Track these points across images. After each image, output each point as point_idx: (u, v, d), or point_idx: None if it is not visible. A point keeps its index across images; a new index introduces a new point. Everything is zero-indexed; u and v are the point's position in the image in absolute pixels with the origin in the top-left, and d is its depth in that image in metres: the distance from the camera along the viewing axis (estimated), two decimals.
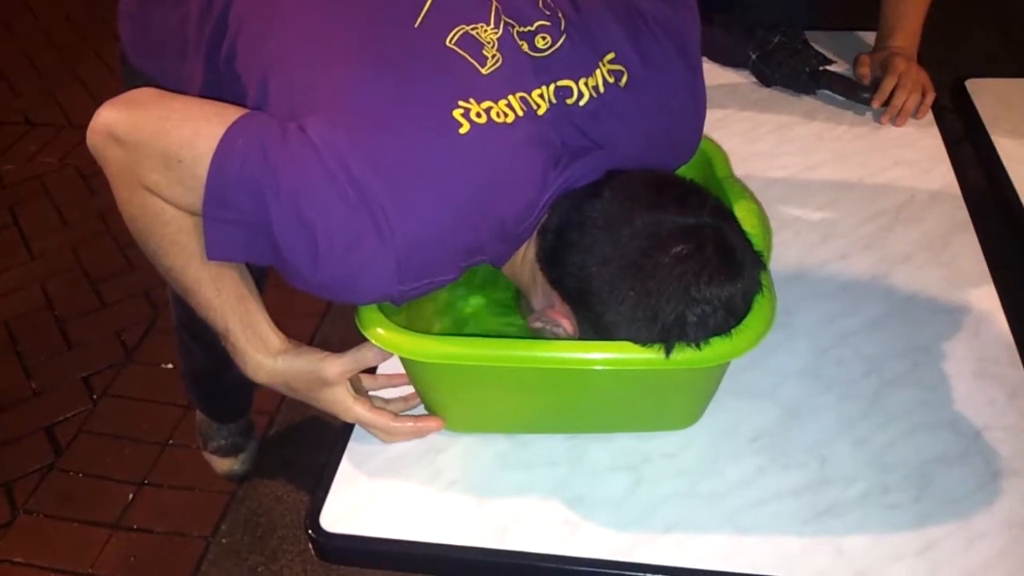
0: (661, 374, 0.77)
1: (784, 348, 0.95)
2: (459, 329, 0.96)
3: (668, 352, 0.73)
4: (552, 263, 0.79)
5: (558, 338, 0.79)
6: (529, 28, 0.80)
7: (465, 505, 0.82)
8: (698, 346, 0.73)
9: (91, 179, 2.63)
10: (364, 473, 0.86)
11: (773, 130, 1.31)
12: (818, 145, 1.27)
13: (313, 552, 0.82)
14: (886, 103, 1.30)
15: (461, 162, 0.72)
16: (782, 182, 1.21)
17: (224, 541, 1.70)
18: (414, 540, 0.80)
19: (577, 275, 0.76)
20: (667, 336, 0.73)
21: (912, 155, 1.24)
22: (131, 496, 1.78)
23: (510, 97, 0.76)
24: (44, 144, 2.82)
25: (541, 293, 0.82)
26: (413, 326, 0.82)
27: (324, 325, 2.10)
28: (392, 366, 0.87)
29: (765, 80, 1.40)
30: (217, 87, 0.84)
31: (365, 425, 0.86)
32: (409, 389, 0.90)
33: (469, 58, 0.76)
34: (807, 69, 1.35)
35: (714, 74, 1.44)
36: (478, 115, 0.73)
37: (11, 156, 2.79)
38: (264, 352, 0.83)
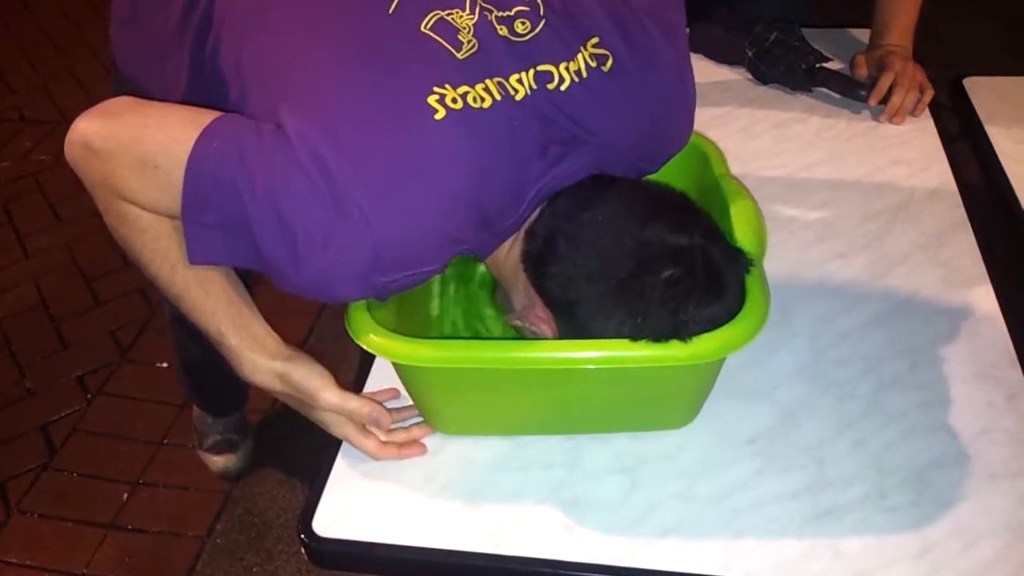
0: (654, 372, 0.77)
1: (782, 348, 0.95)
2: (430, 325, 0.96)
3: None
4: (538, 270, 0.78)
5: (537, 338, 0.79)
6: (508, 13, 0.79)
7: (460, 509, 0.82)
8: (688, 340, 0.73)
9: None
10: (357, 476, 0.85)
11: (770, 128, 1.30)
12: (815, 143, 1.27)
13: (306, 557, 0.82)
14: (883, 101, 1.29)
15: (436, 149, 0.71)
16: (779, 181, 1.20)
17: (219, 541, 1.69)
18: (408, 545, 0.79)
19: (563, 286, 0.76)
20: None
21: (910, 153, 1.23)
22: (126, 496, 1.78)
23: (487, 81, 0.75)
24: (39, 141, 2.81)
25: (523, 293, 0.81)
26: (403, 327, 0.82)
27: (319, 323, 2.09)
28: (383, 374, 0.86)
29: (762, 77, 1.39)
30: (202, 87, 0.84)
31: (354, 446, 0.86)
32: (406, 400, 0.90)
33: (444, 43, 0.75)
34: (803, 66, 1.34)
35: (710, 71, 1.44)
36: (454, 100, 0.72)
37: (5, 153, 2.78)
38: (260, 353, 0.82)
